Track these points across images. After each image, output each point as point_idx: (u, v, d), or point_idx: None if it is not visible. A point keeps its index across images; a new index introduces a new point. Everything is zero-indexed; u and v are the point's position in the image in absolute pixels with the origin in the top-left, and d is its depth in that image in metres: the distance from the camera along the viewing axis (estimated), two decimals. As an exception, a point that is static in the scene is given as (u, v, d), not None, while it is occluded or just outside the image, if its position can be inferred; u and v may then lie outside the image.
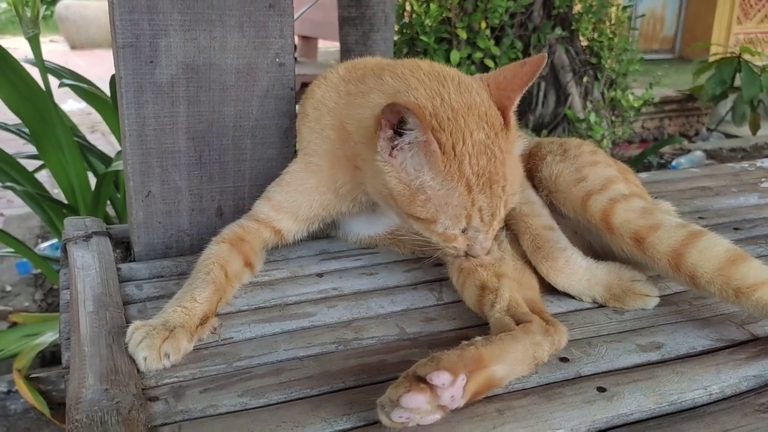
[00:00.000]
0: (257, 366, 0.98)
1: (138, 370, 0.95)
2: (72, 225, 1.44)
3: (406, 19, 4.04)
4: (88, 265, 1.25)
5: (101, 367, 0.92)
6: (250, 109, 1.38)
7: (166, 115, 1.32)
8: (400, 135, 1.02)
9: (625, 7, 4.45)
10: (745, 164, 2.19)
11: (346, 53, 3.11)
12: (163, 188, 1.35)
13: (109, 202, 2.62)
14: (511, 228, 1.23)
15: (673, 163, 4.73)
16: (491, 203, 1.05)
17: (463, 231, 1.07)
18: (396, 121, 1.01)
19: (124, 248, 1.45)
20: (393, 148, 1.04)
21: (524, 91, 1.11)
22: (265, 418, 0.87)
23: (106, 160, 2.63)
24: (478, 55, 3.88)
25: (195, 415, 0.87)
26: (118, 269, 1.30)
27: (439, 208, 1.04)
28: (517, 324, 1.00)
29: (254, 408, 0.89)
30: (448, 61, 3.86)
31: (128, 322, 1.03)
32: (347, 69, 1.28)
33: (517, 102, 1.10)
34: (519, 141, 1.15)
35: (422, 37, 3.85)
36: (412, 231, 1.14)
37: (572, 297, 1.20)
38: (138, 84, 1.29)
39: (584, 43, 4.46)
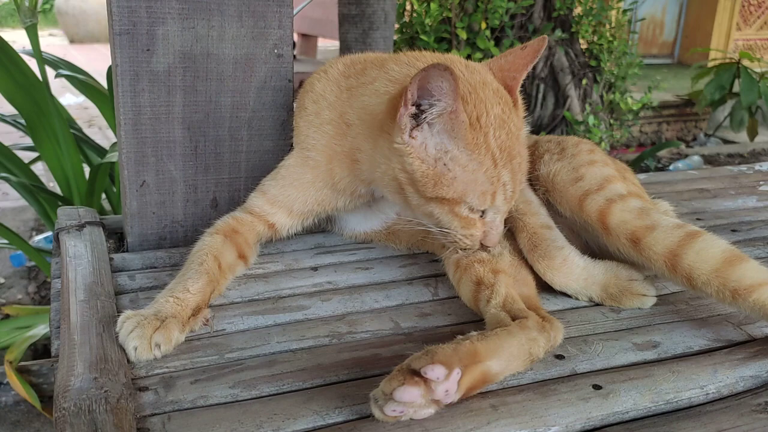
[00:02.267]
0: (249, 358, 0.97)
1: (128, 360, 0.94)
2: (65, 214, 1.42)
3: (406, 18, 4.03)
4: (80, 254, 1.24)
5: (91, 356, 0.90)
6: (247, 100, 1.36)
7: (162, 104, 1.30)
8: (422, 113, 1.01)
9: (625, 11, 4.45)
10: (743, 167, 2.19)
11: (345, 51, 3.10)
12: (157, 178, 1.34)
13: (105, 196, 2.60)
14: (507, 225, 1.22)
15: (671, 167, 4.73)
16: (513, 178, 1.04)
17: (482, 215, 1.06)
18: (418, 97, 0.99)
19: (117, 239, 1.44)
20: (413, 128, 1.02)
21: (527, 72, 1.11)
22: (256, 409, 0.85)
23: (102, 152, 2.61)
24: (478, 55, 3.87)
25: (185, 406, 0.86)
26: (111, 259, 1.29)
27: (468, 184, 1.02)
28: (513, 320, 0.99)
29: (245, 400, 0.88)
30: (447, 61, 3.85)
31: (119, 312, 1.01)
32: (346, 64, 1.27)
33: (521, 81, 1.10)
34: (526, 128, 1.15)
35: (422, 37, 3.83)
36: (424, 221, 1.10)
37: (569, 296, 1.19)
38: (134, 72, 1.28)
39: (584, 46, 4.46)
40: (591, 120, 4.13)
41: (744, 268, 1.04)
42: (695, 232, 1.09)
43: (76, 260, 1.21)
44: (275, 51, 1.36)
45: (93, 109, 2.78)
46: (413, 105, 1.00)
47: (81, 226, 1.36)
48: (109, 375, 0.86)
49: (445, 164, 1.01)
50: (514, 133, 1.03)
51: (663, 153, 5.08)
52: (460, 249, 1.12)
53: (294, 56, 6.34)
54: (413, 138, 1.02)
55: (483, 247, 1.10)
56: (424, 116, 1.00)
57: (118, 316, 0.99)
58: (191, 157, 1.35)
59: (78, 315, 1.02)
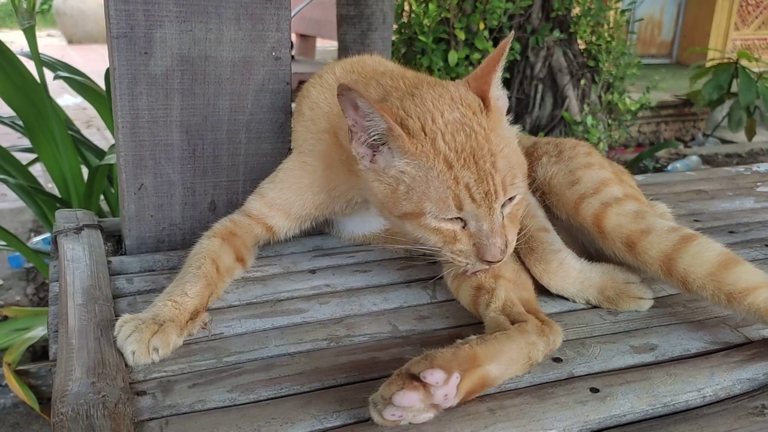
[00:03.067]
0: (247, 362, 0.97)
1: (126, 364, 0.94)
2: (63, 217, 1.42)
3: (405, 19, 4.03)
4: (78, 257, 1.24)
5: (89, 360, 0.90)
6: (245, 102, 1.36)
7: (160, 108, 1.30)
8: (371, 137, 1.02)
9: (623, 11, 4.46)
10: (741, 168, 2.19)
11: (344, 52, 3.10)
12: (155, 181, 1.34)
13: (103, 198, 2.60)
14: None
15: (669, 167, 4.73)
16: (480, 179, 0.98)
17: (463, 226, 1.01)
18: (363, 122, 1.00)
19: (115, 242, 1.44)
20: (374, 154, 1.03)
21: (499, 71, 1.07)
22: (254, 413, 0.85)
23: (100, 154, 2.61)
24: (476, 56, 3.87)
25: (183, 410, 0.86)
26: (109, 262, 1.29)
27: (422, 194, 0.99)
28: (512, 324, 0.99)
29: (243, 404, 0.88)
30: (446, 61, 3.85)
31: (117, 316, 1.02)
32: (344, 70, 1.27)
33: (493, 83, 1.06)
34: (514, 128, 1.13)
35: (420, 37, 3.84)
36: (414, 242, 1.07)
37: (566, 298, 1.19)
38: (132, 75, 1.28)
39: (582, 46, 4.46)
40: (589, 120, 4.14)
41: (739, 271, 1.04)
42: (690, 236, 1.09)
43: (74, 263, 1.21)
44: (273, 53, 1.36)
45: (91, 110, 2.78)
46: (363, 132, 1.01)
47: (79, 229, 1.36)
48: (106, 379, 0.87)
49: (398, 180, 1.01)
50: (480, 133, 1.00)
51: (661, 153, 5.09)
52: (461, 270, 1.08)
53: (292, 57, 6.34)
54: (374, 162, 1.03)
55: (487, 263, 1.01)
56: (370, 140, 1.01)
57: (116, 319, 0.99)
58: (189, 160, 1.35)
59: (76, 319, 1.02)
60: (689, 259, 1.06)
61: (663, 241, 1.10)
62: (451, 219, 1.00)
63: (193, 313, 1.03)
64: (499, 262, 1.01)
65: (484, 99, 1.06)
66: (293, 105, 1.38)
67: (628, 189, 1.29)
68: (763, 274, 1.05)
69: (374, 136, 1.01)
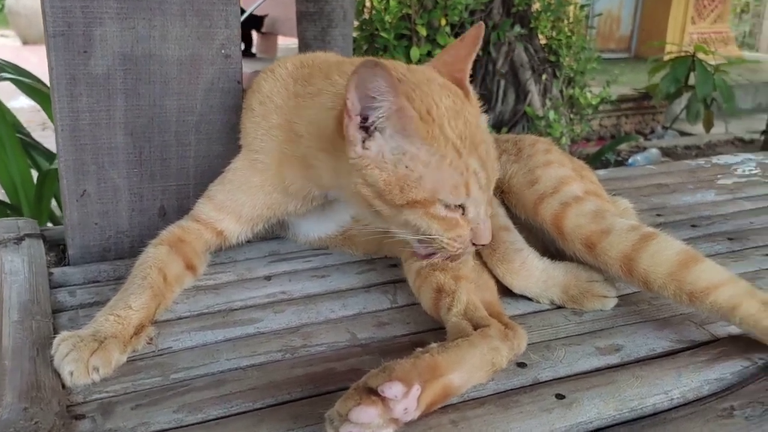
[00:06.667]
0: (196, 378, 0.92)
1: (63, 386, 0.87)
2: (3, 227, 1.34)
3: (366, 16, 3.98)
4: (17, 270, 1.17)
5: (21, 383, 0.84)
6: (193, 103, 1.30)
7: (102, 109, 1.23)
8: (369, 120, 0.95)
9: (582, 6, 4.48)
10: (701, 161, 2.20)
11: (304, 49, 3.04)
12: (99, 187, 1.27)
13: (56, 203, 2.50)
14: None
15: (630, 160, 4.78)
16: (483, 165, 0.98)
17: (462, 212, 0.98)
18: (361, 106, 0.94)
19: (60, 251, 1.36)
20: (365, 140, 0.97)
21: (472, 61, 1.06)
22: (202, 435, 0.80)
23: (52, 157, 2.51)
24: (439, 52, 3.85)
25: (124, 435, 0.80)
26: (51, 274, 1.21)
27: (436, 181, 0.95)
28: (475, 328, 0.95)
29: (190, 425, 0.82)
30: (408, 57, 3.82)
31: (57, 332, 0.95)
32: (295, 65, 1.21)
33: (468, 72, 1.06)
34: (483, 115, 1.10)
35: (382, 34, 3.79)
36: (403, 232, 1.01)
37: (530, 299, 1.16)
38: (71, 75, 1.20)
39: (543, 42, 4.47)
40: (551, 115, 4.15)
41: (699, 269, 1.02)
42: (649, 235, 1.07)
43: (11, 277, 1.14)
44: (222, 51, 1.30)
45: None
46: (357, 115, 0.95)
47: (19, 239, 1.28)
48: (41, 404, 0.80)
49: (406, 166, 0.95)
50: (472, 122, 0.99)
51: (622, 147, 5.14)
52: (452, 258, 1.03)
53: (254, 54, 6.27)
54: (367, 149, 0.96)
55: (476, 246, 1.02)
56: (372, 122, 0.95)
57: (54, 337, 0.93)
58: (135, 164, 1.28)
59: (10, 337, 0.95)
60: (649, 259, 1.05)
61: (622, 241, 1.07)
62: (456, 206, 0.98)
63: (137, 327, 0.97)
64: (486, 243, 1.02)
65: (462, 87, 1.04)
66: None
67: (589, 185, 1.27)
68: (724, 270, 1.04)
69: (379, 118, 0.94)
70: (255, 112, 1.19)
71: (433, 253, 1.02)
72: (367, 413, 0.75)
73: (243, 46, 5.77)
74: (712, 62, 5.42)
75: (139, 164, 1.29)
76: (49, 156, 2.54)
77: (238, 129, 1.24)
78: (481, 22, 1.09)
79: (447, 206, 0.97)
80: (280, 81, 1.18)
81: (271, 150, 1.16)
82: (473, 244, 1.01)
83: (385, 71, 0.89)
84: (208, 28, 1.28)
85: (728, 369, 0.97)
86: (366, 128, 0.96)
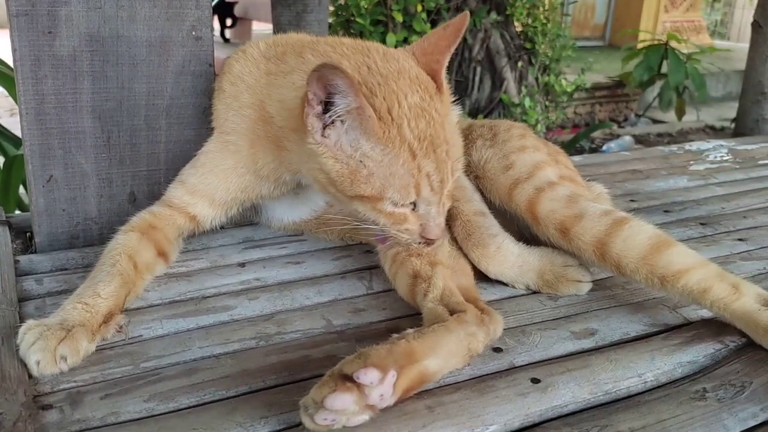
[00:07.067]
0: (167, 366, 0.90)
1: (30, 376, 0.85)
2: (-34, 214, 1.30)
3: (342, 1, 3.94)
4: (-20, 257, 1.13)
5: (-15, 374, 0.81)
6: (164, 86, 1.27)
7: (68, 92, 1.20)
8: (330, 110, 0.94)
9: (558, -7, 4.49)
10: (674, 147, 2.22)
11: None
12: (66, 172, 1.23)
13: (26, 190, 2.44)
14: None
15: (604, 147, 4.81)
16: (438, 168, 0.97)
17: (413, 208, 0.99)
18: (324, 95, 0.93)
19: (27, 238, 1.33)
20: (325, 127, 0.95)
21: (451, 53, 1.05)
22: (173, 424, 0.78)
23: (20, 144, 2.45)
24: (415, 38, 3.82)
25: (93, 425, 0.78)
26: (17, 262, 1.18)
27: (385, 180, 0.95)
28: (451, 314, 0.95)
29: (162, 414, 0.80)
30: (384, 43, 3.79)
31: (23, 321, 0.92)
32: (268, 45, 1.19)
33: (446, 64, 1.04)
34: (455, 108, 1.09)
35: (358, 20, 3.76)
36: (357, 218, 1.02)
37: (506, 284, 1.16)
38: (35, 57, 1.16)
39: (519, 29, 4.47)
40: (527, 102, 4.16)
41: (670, 253, 1.03)
42: (622, 219, 1.08)
43: (-25, 265, 1.10)
44: (193, 33, 1.27)
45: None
46: (319, 104, 0.94)
47: (-17, 226, 1.25)
48: (5, 394, 0.78)
49: (360, 161, 0.95)
50: (438, 121, 0.97)
51: (596, 134, 5.17)
52: (403, 244, 1.04)
53: (227, 39, 6.18)
54: (326, 137, 0.95)
55: (426, 240, 1.01)
56: (330, 116, 0.94)
57: (20, 326, 0.90)
58: (104, 148, 1.25)
59: (-26, 327, 0.92)
60: (621, 243, 1.05)
61: (595, 225, 1.08)
62: (406, 204, 0.98)
63: (106, 315, 0.94)
64: (437, 240, 1.01)
65: (436, 80, 1.02)
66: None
67: (564, 170, 1.27)
68: (695, 254, 1.05)
69: (338, 113, 0.93)
70: (226, 93, 1.16)
71: (387, 239, 1.02)
72: (343, 400, 0.74)
73: (215, 31, 5.69)
74: (685, 51, 5.46)
75: (108, 149, 1.25)
76: (17, 142, 2.48)
77: (210, 112, 1.22)
78: (467, 12, 1.07)
79: (394, 204, 0.97)
80: (252, 60, 1.16)
81: (243, 131, 1.14)
82: (423, 238, 1.00)
83: (345, 74, 0.88)
84: (178, 9, 1.25)
85: (701, 352, 0.98)
86: (325, 119, 0.95)
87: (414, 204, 0.98)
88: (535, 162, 1.21)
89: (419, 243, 1.02)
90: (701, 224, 1.51)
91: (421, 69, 1.03)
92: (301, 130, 1.01)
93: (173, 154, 1.30)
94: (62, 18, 1.16)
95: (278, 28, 3.03)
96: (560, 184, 1.18)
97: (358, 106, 0.91)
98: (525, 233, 1.22)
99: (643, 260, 1.04)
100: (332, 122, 0.95)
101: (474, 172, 1.23)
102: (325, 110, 0.94)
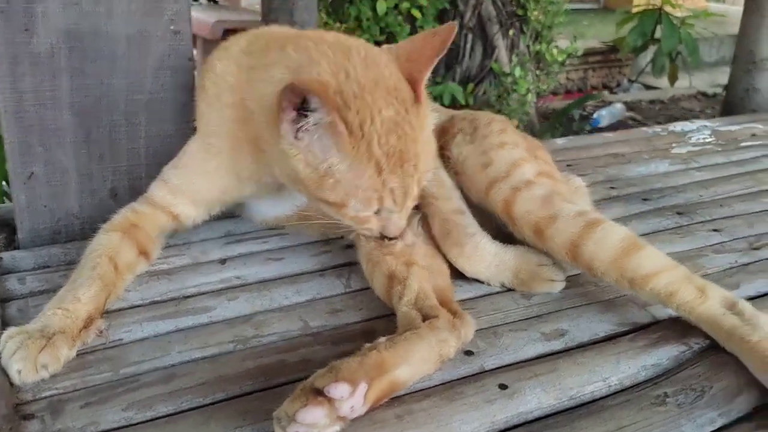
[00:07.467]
0: (146, 372, 0.92)
1: (11, 384, 0.87)
2: (-52, 207, 1.31)
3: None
4: (-37, 256, 1.15)
5: (-32, 384, 0.84)
6: (143, 81, 1.27)
7: (47, 89, 1.20)
8: (305, 116, 0.95)
9: (551, -43, 4.40)
10: (658, 128, 2.23)
11: (267, 6, 2.95)
12: (47, 169, 1.24)
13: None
14: (422, 210, 1.19)
15: (594, 115, 4.79)
16: (403, 183, 1.00)
17: (376, 212, 1.02)
18: (299, 101, 0.94)
19: (10, 232, 1.34)
20: (298, 131, 0.97)
21: (435, 63, 1.05)
22: (151, 434, 0.81)
23: (2, 141, 2.42)
24: (406, 5, 3.78)
25: (74, 435, 0.81)
26: (0, 259, 1.20)
27: (349, 191, 0.98)
28: (425, 319, 0.97)
29: (139, 423, 0.83)
30: (374, 10, 3.74)
31: (5, 324, 0.94)
32: (249, 40, 1.18)
33: (428, 75, 1.05)
34: (432, 115, 1.10)
35: (347, -9, 3.70)
36: (324, 214, 1.07)
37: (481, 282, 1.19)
38: (12, 54, 1.16)
39: (511, -6, 4.40)
40: (518, 71, 4.13)
41: (640, 256, 1.06)
42: (595, 222, 1.10)
43: (-43, 264, 1.12)
44: (171, 27, 1.26)
45: None
46: (294, 110, 0.94)
47: (-34, 221, 1.26)
48: (-12, 406, 0.80)
49: (328, 167, 0.97)
50: (410, 135, 0.99)
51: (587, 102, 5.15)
52: (364, 237, 1.11)
53: (215, 2, 6.06)
54: (299, 140, 0.97)
55: (384, 237, 1.06)
56: (304, 122, 0.95)
57: (3, 330, 0.92)
58: (83, 144, 1.25)
59: (-44, 333, 0.94)
60: (593, 246, 1.07)
61: (569, 227, 1.10)
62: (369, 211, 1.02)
63: (86, 320, 0.97)
64: (395, 239, 1.08)
65: (416, 89, 1.02)
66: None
67: (542, 166, 1.28)
68: (664, 257, 1.07)
69: (311, 123, 0.95)
70: (208, 93, 1.16)
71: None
72: (314, 414, 0.77)
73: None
74: (679, 15, 5.40)
75: (87, 145, 1.26)
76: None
77: (192, 109, 1.22)
78: (455, 23, 1.07)
79: (357, 211, 1.01)
80: (233, 58, 1.15)
81: (225, 133, 1.14)
82: (384, 236, 1.06)
83: (319, 92, 0.91)
84: (156, 3, 1.24)
85: (665, 354, 1.01)
86: (299, 120, 0.96)
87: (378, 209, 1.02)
88: (513, 160, 1.22)
89: (379, 237, 1.08)
90: (678, 213, 1.53)
91: (402, 75, 1.03)
92: (276, 129, 1.01)
93: (153, 149, 1.31)
94: (39, 15, 1.15)
95: (268, 10, 2.98)
96: (537, 183, 1.19)
97: (330, 121, 0.92)
98: (503, 230, 1.24)
99: (613, 263, 1.06)
100: (305, 128, 0.96)
101: (453, 169, 1.24)
102: (300, 116, 0.95)
